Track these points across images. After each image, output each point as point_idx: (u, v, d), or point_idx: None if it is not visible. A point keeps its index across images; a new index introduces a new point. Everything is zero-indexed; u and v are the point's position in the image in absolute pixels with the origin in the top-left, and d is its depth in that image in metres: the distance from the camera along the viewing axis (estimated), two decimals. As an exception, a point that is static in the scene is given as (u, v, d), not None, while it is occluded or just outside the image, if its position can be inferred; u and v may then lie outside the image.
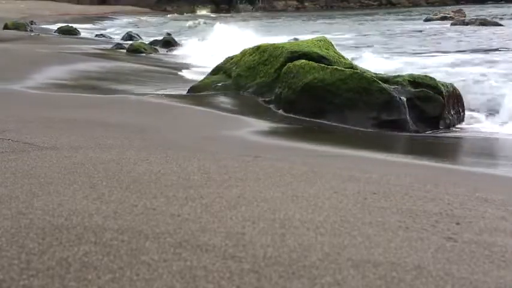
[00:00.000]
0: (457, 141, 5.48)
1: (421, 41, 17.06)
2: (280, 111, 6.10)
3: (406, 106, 5.68)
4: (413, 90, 5.86)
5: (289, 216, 2.09)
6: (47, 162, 2.80)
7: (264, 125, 5.29)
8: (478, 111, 6.37)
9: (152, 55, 13.76)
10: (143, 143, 3.56)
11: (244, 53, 7.30)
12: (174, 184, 2.47)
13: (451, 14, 27.70)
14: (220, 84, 7.12)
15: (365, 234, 1.95)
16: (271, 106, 6.31)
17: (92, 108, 5.20)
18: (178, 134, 4.33)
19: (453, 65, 10.71)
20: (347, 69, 6.00)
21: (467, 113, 6.20)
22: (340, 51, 7.18)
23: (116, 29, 28.18)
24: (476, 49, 14.05)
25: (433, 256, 1.80)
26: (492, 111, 6.25)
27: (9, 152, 3.05)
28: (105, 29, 27.36)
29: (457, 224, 2.16)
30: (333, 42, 7.12)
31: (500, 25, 21.81)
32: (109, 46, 15.07)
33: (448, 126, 5.85)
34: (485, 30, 19.76)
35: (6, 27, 20.13)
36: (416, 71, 7.42)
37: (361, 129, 5.53)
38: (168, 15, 46.43)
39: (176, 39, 17.55)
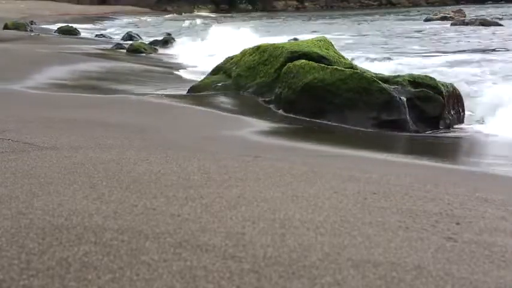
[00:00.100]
0: (457, 141, 5.48)
1: (420, 41, 17.06)
2: (280, 111, 6.11)
3: (406, 106, 5.68)
4: (413, 90, 5.86)
5: (289, 216, 2.09)
6: (47, 162, 2.80)
7: (264, 125, 5.29)
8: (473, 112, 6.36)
9: (152, 55, 13.77)
10: (143, 143, 3.56)
11: (244, 53, 7.30)
12: (174, 184, 2.47)
13: (451, 14, 27.70)
14: (220, 84, 7.12)
15: (365, 234, 1.95)
16: (271, 106, 6.31)
17: (92, 108, 5.20)
18: (178, 134, 4.33)
19: (452, 64, 10.71)
20: (347, 69, 6.00)
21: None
22: (340, 51, 7.18)
23: (116, 29, 28.18)
24: (476, 49, 14.06)
25: (433, 256, 1.80)
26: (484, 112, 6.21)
27: (9, 152, 3.05)
28: (105, 29, 27.36)
29: (457, 224, 2.16)
30: (332, 42, 7.12)
31: (500, 25, 21.82)
32: (109, 46, 15.08)
33: (448, 126, 5.85)
34: (485, 31, 19.78)
35: (6, 27, 20.13)
36: (409, 72, 7.38)
37: (361, 129, 5.53)
38: (166, 16, 46.41)
39: (177, 39, 17.55)
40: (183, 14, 47.66)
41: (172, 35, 19.60)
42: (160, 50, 14.80)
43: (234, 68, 7.18)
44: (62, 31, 21.35)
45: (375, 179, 2.83)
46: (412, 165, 3.90)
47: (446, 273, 1.67)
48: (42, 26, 25.84)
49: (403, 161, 4.12)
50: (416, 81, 5.95)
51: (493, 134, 5.40)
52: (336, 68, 6.00)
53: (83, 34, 22.12)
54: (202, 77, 7.82)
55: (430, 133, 5.63)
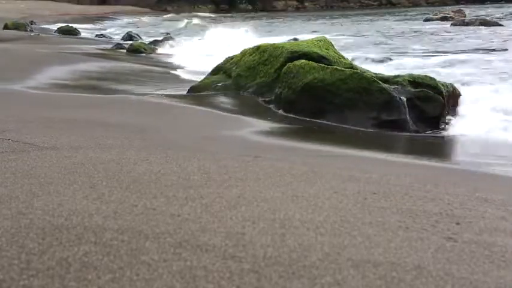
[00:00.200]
0: (457, 141, 5.48)
1: (420, 42, 17.06)
2: (280, 111, 6.11)
3: (406, 106, 5.68)
4: (413, 90, 5.86)
5: (289, 216, 2.09)
6: (47, 162, 2.80)
7: (264, 125, 5.29)
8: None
9: (152, 55, 13.77)
10: (143, 143, 3.56)
11: (244, 53, 7.30)
12: (174, 184, 2.47)
13: (451, 14, 27.69)
14: (220, 84, 7.12)
15: (365, 234, 1.95)
16: (271, 106, 6.31)
17: (92, 108, 5.20)
18: (178, 134, 4.33)
19: (452, 64, 10.71)
20: (347, 69, 6.00)
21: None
22: (340, 51, 7.18)
23: (116, 29, 28.19)
24: (476, 49, 14.06)
25: (433, 256, 1.80)
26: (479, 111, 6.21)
27: (9, 152, 3.05)
28: (105, 29, 27.37)
29: (457, 224, 2.16)
30: (332, 42, 7.13)
31: (501, 25, 21.81)
32: (109, 46, 15.08)
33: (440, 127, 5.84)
34: (486, 31, 19.77)
35: (6, 27, 20.14)
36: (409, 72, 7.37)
37: (361, 129, 5.53)
38: (165, 16, 46.41)
39: (176, 39, 17.56)
40: (181, 14, 47.59)
41: (172, 35, 19.61)
42: (160, 50, 14.81)
43: (234, 68, 7.18)
44: (62, 31, 21.36)
45: (375, 179, 2.83)
46: (412, 165, 3.90)
47: (446, 273, 1.67)
48: (42, 26, 25.84)
49: (403, 161, 4.12)
50: (416, 81, 5.95)
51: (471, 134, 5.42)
52: (336, 68, 6.00)
53: (83, 34, 22.13)
54: (202, 77, 7.81)
55: (430, 133, 5.63)
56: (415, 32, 21.55)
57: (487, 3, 49.85)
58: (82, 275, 1.53)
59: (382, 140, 5.32)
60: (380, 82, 5.76)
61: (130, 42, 16.16)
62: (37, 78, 7.51)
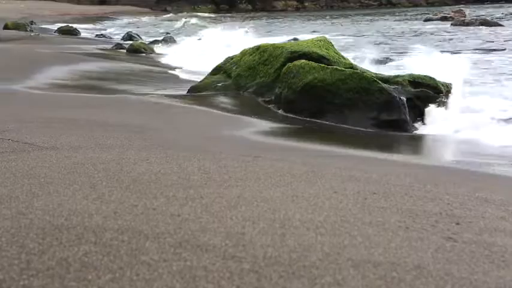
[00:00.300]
0: (456, 141, 5.47)
1: (420, 42, 17.05)
2: (280, 111, 6.11)
3: (406, 106, 5.69)
4: (413, 90, 5.87)
5: (289, 216, 2.09)
6: (47, 162, 2.80)
7: (264, 125, 5.29)
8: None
9: (152, 55, 13.78)
10: (143, 143, 3.56)
11: (244, 53, 7.30)
12: (174, 184, 2.47)
13: (451, 14, 27.68)
14: (220, 84, 7.12)
15: (365, 234, 1.95)
16: (271, 106, 6.31)
17: (92, 108, 5.20)
18: (178, 134, 4.33)
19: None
20: (347, 69, 6.00)
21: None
22: (340, 51, 7.18)
23: (116, 29, 28.19)
24: (476, 49, 14.05)
25: (433, 256, 1.80)
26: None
27: (9, 152, 3.05)
28: (105, 29, 27.37)
29: (457, 224, 2.16)
30: (332, 42, 7.13)
31: (501, 25, 21.82)
32: (109, 46, 15.09)
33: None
34: (486, 31, 19.77)
35: (6, 27, 20.14)
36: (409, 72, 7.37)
37: (361, 129, 5.54)
38: (164, 16, 46.40)
39: (176, 39, 17.57)
40: (179, 14, 47.53)
41: (172, 35, 19.61)
42: (160, 50, 14.81)
43: (234, 68, 7.18)
44: (62, 31, 21.36)
45: (375, 179, 2.83)
46: (412, 165, 3.90)
47: (446, 273, 1.67)
48: (42, 26, 25.83)
49: (403, 161, 4.12)
50: (416, 81, 5.95)
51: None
52: (336, 68, 6.00)
53: (83, 34, 22.13)
54: (202, 77, 7.82)
55: (430, 133, 5.62)
56: (415, 32, 21.55)
57: (487, 3, 49.83)
58: (82, 275, 1.53)
59: (382, 140, 5.32)
60: (380, 82, 5.76)
61: (130, 42, 16.16)
62: (37, 78, 7.51)
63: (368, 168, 3.33)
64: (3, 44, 12.86)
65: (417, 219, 2.17)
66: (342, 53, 7.23)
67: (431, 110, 5.83)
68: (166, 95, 6.67)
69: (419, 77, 6.08)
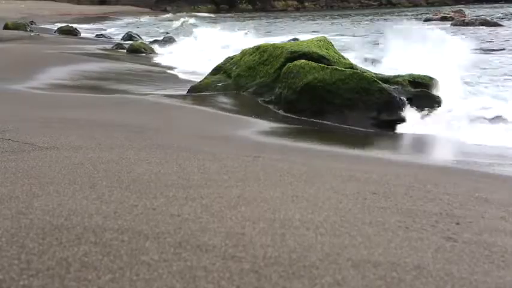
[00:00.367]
0: (456, 141, 5.47)
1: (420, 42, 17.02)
2: (280, 111, 6.11)
3: (406, 106, 5.69)
4: (413, 90, 5.87)
5: (289, 216, 2.09)
6: (47, 162, 2.80)
7: (264, 125, 5.29)
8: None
9: (152, 55, 13.78)
10: (143, 143, 3.56)
11: (244, 53, 7.30)
12: (174, 184, 2.47)
13: (451, 14, 27.68)
14: (220, 84, 7.12)
15: (365, 234, 1.95)
16: (271, 106, 6.31)
17: (92, 108, 5.20)
18: (178, 134, 4.32)
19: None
20: (347, 69, 6.01)
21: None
22: (340, 51, 7.18)
23: (116, 29, 28.21)
24: (476, 49, 14.04)
25: (433, 256, 1.80)
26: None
27: (9, 152, 3.05)
28: (105, 29, 27.38)
29: (457, 224, 2.16)
30: (332, 42, 7.12)
31: (501, 25, 21.81)
32: (109, 46, 15.09)
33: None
34: (486, 31, 19.77)
35: (6, 27, 20.14)
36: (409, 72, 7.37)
37: (361, 129, 5.54)
38: (163, 16, 46.41)
39: (176, 39, 17.56)
40: (178, 14, 47.53)
41: (171, 35, 19.61)
42: (160, 50, 14.81)
43: (234, 68, 7.18)
44: (62, 31, 21.37)
45: (375, 179, 2.83)
46: (412, 165, 3.89)
47: (446, 273, 1.67)
48: (42, 26, 25.84)
49: (403, 161, 4.12)
50: (416, 81, 5.96)
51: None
52: (336, 68, 6.00)
53: (83, 34, 22.13)
54: (201, 77, 7.82)
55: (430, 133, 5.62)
56: (415, 32, 21.51)
57: (487, 4, 49.83)
58: (82, 275, 1.53)
59: (382, 140, 5.32)
60: (380, 82, 5.76)
61: (131, 42, 16.17)
62: (37, 78, 7.51)
63: (368, 168, 3.33)
64: (3, 44, 12.87)
65: (417, 219, 2.17)
66: (342, 53, 7.23)
67: (432, 110, 5.84)
68: (166, 95, 6.67)
69: (419, 77, 6.08)
